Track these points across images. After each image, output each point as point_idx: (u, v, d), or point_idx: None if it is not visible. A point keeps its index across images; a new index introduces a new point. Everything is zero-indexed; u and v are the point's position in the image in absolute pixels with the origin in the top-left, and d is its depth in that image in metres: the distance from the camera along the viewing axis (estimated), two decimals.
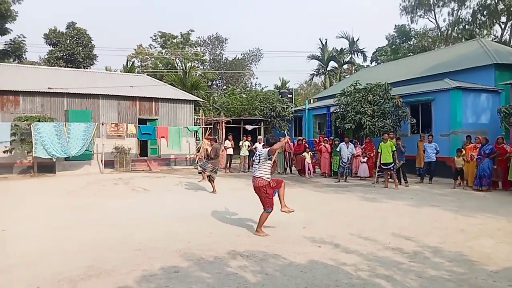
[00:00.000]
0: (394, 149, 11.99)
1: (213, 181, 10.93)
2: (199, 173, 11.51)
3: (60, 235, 6.20)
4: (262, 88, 40.52)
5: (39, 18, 66.67)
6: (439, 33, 34.90)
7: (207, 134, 16.50)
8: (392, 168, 11.95)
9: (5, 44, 28.90)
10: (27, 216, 7.52)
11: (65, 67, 29.19)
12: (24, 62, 30.82)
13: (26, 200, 9.57)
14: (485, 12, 30.21)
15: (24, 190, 11.35)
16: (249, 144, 16.88)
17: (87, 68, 32.55)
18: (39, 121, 14.82)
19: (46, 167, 15.35)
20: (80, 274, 4.39)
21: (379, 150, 12.23)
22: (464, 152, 12.24)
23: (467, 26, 32.09)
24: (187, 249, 5.31)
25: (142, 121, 18.75)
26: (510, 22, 29.79)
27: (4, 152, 14.48)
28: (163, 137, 17.45)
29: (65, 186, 11.78)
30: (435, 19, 34.44)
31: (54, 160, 15.04)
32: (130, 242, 5.67)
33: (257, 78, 50.81)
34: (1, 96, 16.04)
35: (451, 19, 32.92)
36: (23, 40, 29.68)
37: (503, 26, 30.66)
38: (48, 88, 16.88)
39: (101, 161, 16.27)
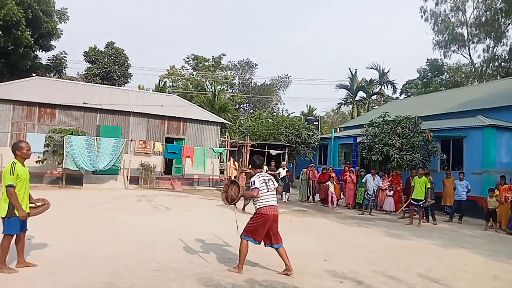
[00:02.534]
0: (428, 186, 11.51)
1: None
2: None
3: (82, 247, 6.26)
4: (289, 114, 40.74)
5: (80, 37, 70.43)
6: (473, 69, 34.25)
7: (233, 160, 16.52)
8: (421, 205, 11.49)
9: (48, 60, 30.56)
10: (52, 226, 7.67)
11: (101, 83, 30.44)
12: (63, 77, 32.38)
13: (52, 210, 9.79)
14: None
15: (52, 200, 11.62)
16: (267, 169, 16.76)
17: (121, 86, 33.80)
18: (72, 134, 15.39)
19: (74, 179, 15.79)
20: None
21: (412, 184, 11.80)
22: (497, 192, 11.68)
23: (503, 64, 31.37)
24: (205, 273, 5.24)
25: (169, 140, 19.12)
26: None
27: (36, 162, 15.04)
28: (189, 156, 17.67)
29: (90, 199, 12.04)
30: (469, 55, 33.94)
31: (83, 172, 15.46)
32: (149, 261, 5.65)
33: (284, 103, 51.09)
34: (40, 108, 16.84)
35: (486, 55, 32.34)
36: (64, 57, 31.33)
37: None
38: (83, 103, 17.60)
39: (127, 176, 16.58)
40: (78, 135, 15.62)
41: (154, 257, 5.92)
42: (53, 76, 30.95)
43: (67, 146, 14.85)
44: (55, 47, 28.72)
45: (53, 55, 30.48)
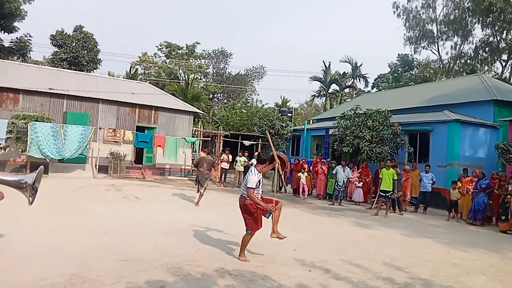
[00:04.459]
0: (396, 178, 11.90)
1: (201, 195, 10.83)
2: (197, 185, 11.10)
3: (46, 238, 6.06)
4: (263, 105, 40.73)
5: (47, 19, 67.32)
6: (441, 65, 35.44)
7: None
8: (389, 196, 11.87)
9: (11, 42, 29.05)
10: (14, 217, 7.37)
11: (68, 69, 29.26)
12: (28, 61, 30.92)
13: (14, 199, 9.40)
14: (487, 49, 30.80)
15: (14, 189, 11.16)
16: (245, 160, 16.80)
17: (90, 72, 32.66)
18: (37, 120, 14.75)
19: (39, 167, 15.16)
20: (64, 281, 4.26)
21: (380, 176, 12.14)
22: (460, 184, 12.23)
23: (469, 61, 32.64)
24: (174, 263, 5.19)
25: (140, 129, 18.70)
26: (511, 61, 30.32)
27: None
28: (160, 146, 17.37)
29: (56, 188, 11.62)
30: (438, 52, 35.11)
31: (48, 161, 14.90)
32: (117, 252, 5.54)
33: (258, 94, 51.12)
34: (1, 92, 16.02)
35: (454, 52, 33.56)
36: (29, 39, 29.88)
37: (503, 63, 31.22)
38: (49, 88, 16.88)
39: (95, 165, 16.14)
40: (43, 121, 14.99)
41: (123, 248, 5.81)
42: (17, 59, 29.51)
43: (31, 133, 14.23)
44: (18, 29, 27.37)
45: (17, 38, 29.05)
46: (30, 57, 32.86)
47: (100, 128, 16.64)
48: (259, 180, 5.70)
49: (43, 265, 4.76)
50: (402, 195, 13.03)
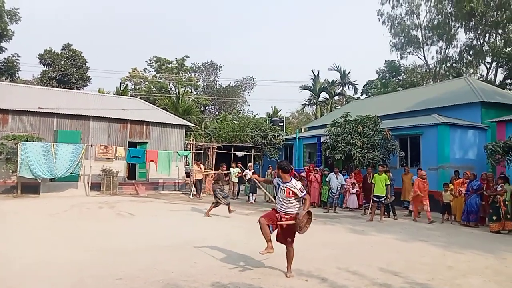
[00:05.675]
0: (388, 182, 11.94)
1: (214, 206, 11.15)
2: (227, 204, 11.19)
3: (40, 259, 5.97)
4: (254, 116, 40.81)
5: (35, 38, 67.21)
6: (428, 70, 36.00)
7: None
8: (383, 201, 11.91)
9: None
10: (7, 238, 7.27)
11: (57, 87, 29.13)
12: (16, 81, 30.75)
13: (7, 221, 9.29)
14: (471, 52, 31.41)
15: (6, 210, 11.02)
16: (239, 171, 16.78)
17: (79, 89, 32.54)
18: (27, 140, 14.62)
19: (30, 187, 15.00)
20: None
21: (373, 182, 12.18)
22: (452, 186, 12.33)
23: (454, 64, 33.22)
24: (170, 279, 5.15)
25: (132, 144, 18.61)
26: (495, 63, 30.94)
27: None
28: (153, 161, 17.30)
29: (48, 208, 11.49)
30: (424, 56, 35.68)
31: (39, 180, 14.73)
32: (111, 270, 5.48)
33: (249, 105, 50.89)
34: None
35: (439, 57, 34.12)
36: (17, 59, 29.81)
37: (488, 66, 31.84)
38: (39, 107, 16.77)
39: (88, 183, 15.98)
40: (33, 141, 14.86)
41: (118, 265, 5.75)
42: (5, 80, 29.35)
43: (21, 153, 14.09)
44: (6, 49, 27.33)
45: (4, 58, 28.99)
46: (18, 77, 32.75)
47: (91, 145, 16.54)
48: (279, 186, 5.71)
49: (37, 284, 4.70)
50: (421, 205, 12.37)
